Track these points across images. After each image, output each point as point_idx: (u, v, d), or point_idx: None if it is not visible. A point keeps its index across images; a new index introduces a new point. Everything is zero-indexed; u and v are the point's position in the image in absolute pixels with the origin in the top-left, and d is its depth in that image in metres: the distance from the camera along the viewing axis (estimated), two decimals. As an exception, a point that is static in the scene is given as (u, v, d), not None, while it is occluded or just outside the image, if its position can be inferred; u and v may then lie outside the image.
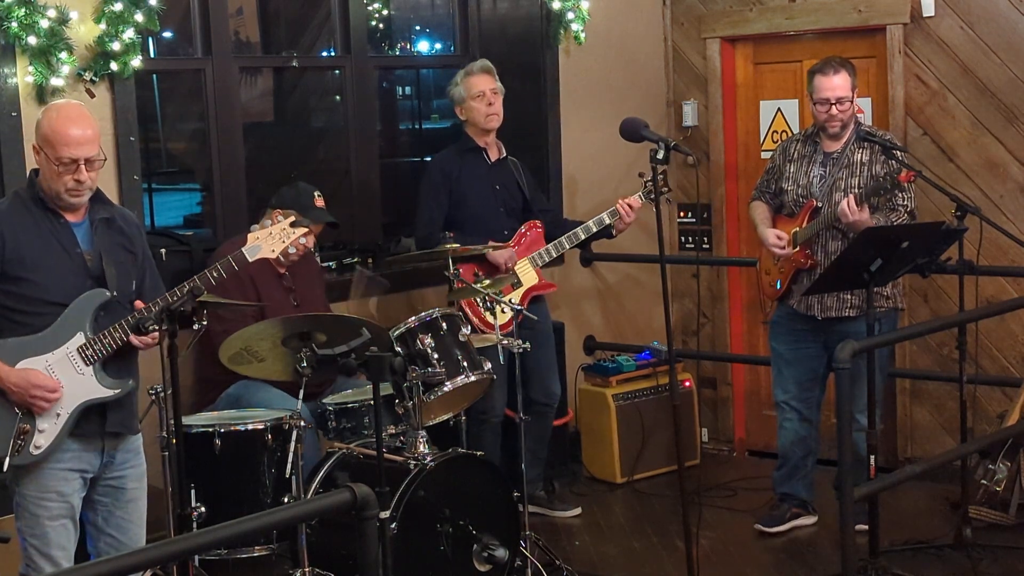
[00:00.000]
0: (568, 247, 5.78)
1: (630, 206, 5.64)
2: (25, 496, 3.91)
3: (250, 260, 4.02)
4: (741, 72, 6.90)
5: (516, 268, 5.64)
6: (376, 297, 5.89)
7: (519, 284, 5.65)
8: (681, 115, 7.00)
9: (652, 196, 5.01)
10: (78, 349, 3.87)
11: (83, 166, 3.85)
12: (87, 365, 3.89)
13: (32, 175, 3.99)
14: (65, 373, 3.87)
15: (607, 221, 5.70)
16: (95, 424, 3.95)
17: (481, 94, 5.60)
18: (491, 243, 5.53)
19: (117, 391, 3.93)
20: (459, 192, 5.64)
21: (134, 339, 3.90)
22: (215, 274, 3.95)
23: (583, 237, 5.75)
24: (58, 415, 3.86)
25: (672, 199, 6.82)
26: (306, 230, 4.09)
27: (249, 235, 4.06)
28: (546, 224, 5.85)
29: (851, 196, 5.16)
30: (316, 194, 5.14)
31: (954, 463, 5.35)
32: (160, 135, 6.16)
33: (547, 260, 5.76)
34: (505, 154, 5.78)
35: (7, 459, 3.81)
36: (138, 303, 3.94)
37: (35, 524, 3.90)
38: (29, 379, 3.82)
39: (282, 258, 5.10)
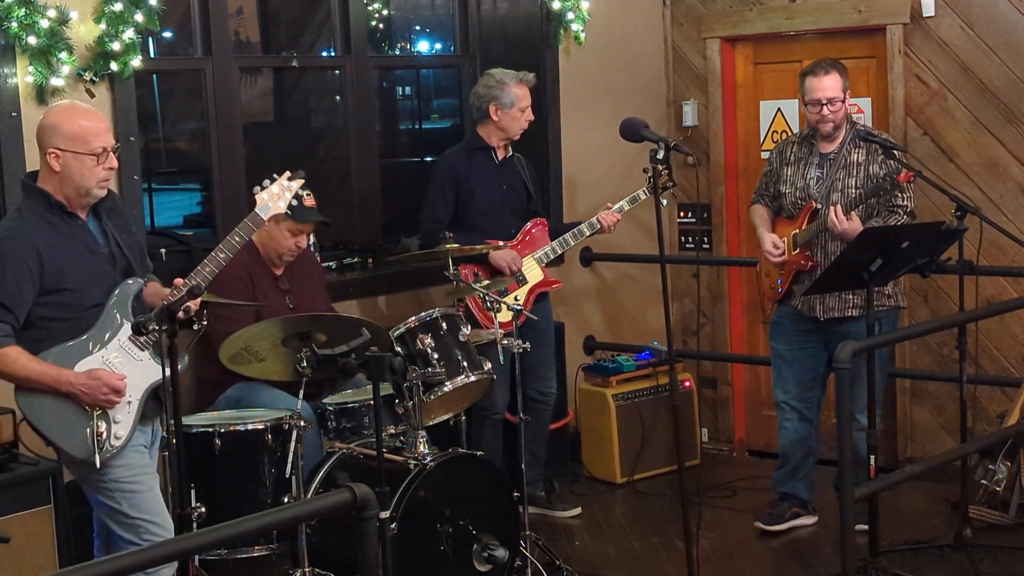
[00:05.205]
0: (572, 244, 5.77)
1: (614, 221, 5.67)
2: (118, 480, 4.01)
3: (264, 219, 4.14)
4: (741, 72, 6.90)
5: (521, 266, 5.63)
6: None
7: (524, 281, 5.64)
8: (681, 115, 7.00)
9: (654, 192, 4.99)
10: (130, 339, 3.99)
11: (112, 154, 3.97)
12: (142, 351, 4.02)
13: (31, 186, 4.00)
14: (125, 364, 3.99)
15: (587, 233, 5.72)
16: (152, 403, 4.09)
17: (528, 108, 5.64)
18: (492, 244, 5.52)
19: (179, 367, 3.98)
20: (467, 191, 5.63)
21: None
22: (237, 239, 4.03)
23: (588, 233, 5.73)
24: (129, 403, 4.00)
25: (673, 195, 6.82)
26: (303, 180, 4.23)
27: (256, 197, 4.16)
28: None
29: (837, 206, 5.16)
30: (306, 193, 5.10)
31: (954, 463, 5.35)
32: (160, 135, 6.16)
33: (552, 258, 5.75)
34: (511, 152, 5.77)
35: (96, 456, 3.92)
36: (177, 281, 3.98)
37: (138, 500, 4.02)
38: (99, 378, 3.91)
39: (277, 260, 5.10)
